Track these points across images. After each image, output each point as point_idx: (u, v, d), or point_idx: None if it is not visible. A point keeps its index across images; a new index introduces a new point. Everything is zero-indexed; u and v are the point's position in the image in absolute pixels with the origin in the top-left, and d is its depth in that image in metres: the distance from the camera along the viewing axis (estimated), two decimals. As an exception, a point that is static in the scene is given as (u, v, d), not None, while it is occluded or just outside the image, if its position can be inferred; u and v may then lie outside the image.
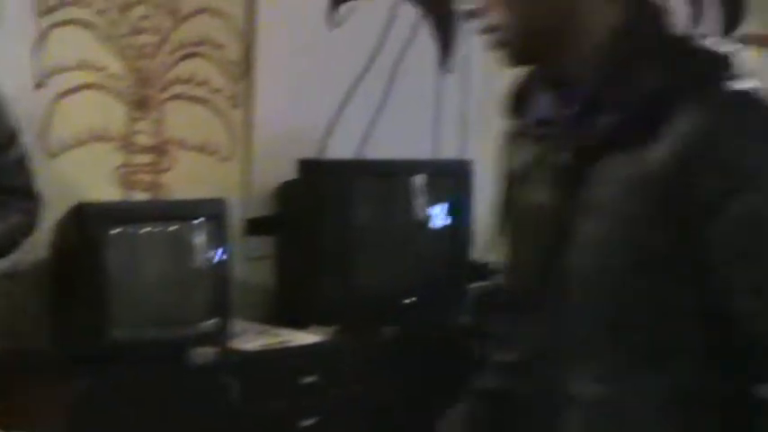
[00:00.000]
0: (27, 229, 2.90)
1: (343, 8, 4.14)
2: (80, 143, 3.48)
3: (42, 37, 3.35)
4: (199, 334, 3.37)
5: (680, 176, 1.38)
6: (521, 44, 1.52)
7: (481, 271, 4.38)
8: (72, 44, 3.43)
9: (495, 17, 1.51)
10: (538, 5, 1.50)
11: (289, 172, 3.83)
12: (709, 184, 1.38)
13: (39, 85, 3.35)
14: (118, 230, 3.24)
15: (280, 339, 3.60)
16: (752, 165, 1.39)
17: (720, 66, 1.45)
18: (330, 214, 3.81)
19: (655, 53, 1.48)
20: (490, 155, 4.59)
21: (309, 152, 4.01)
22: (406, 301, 4.00)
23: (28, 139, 3.11)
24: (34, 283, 3.31)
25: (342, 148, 4.15)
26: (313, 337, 3.66)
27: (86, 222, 3.18)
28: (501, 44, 1.53)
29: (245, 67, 3.88)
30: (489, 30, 1.52)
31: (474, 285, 4.27)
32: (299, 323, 3.73)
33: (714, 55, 1.47)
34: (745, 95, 1.42)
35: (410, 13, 4.37)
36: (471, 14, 1.53)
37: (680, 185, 1.38)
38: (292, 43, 3.99)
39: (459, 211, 4.15)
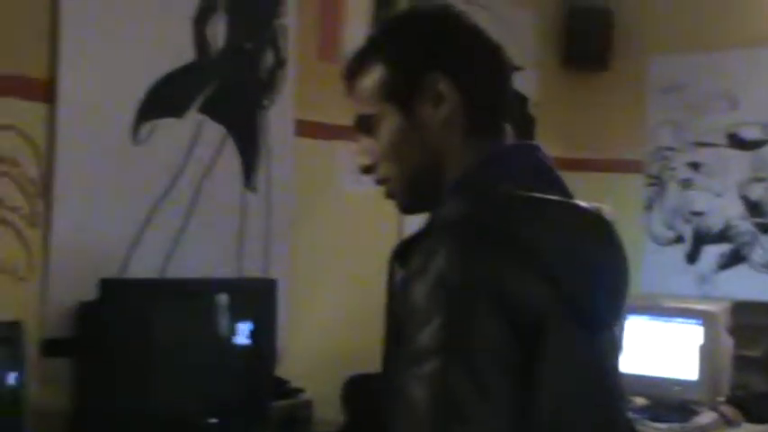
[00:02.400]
0: None
1: (147, 126, 4.14)
2: None
3: None
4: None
5: None
6: (406, 193, 1.72)
7: (284, 389, 4.39)
8: None
9: (383, 170, 1.69)
10: (413, 160, 1.68)
11: (89, 291, 3.75)
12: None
13: None
14: None
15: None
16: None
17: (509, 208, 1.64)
18: (132, 334, 3.74)
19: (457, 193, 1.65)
20: (292, 273, 4.69)
21: (111, 271, 3.94)
22: (209, 421, 3.94)
23: None
24: None
25: (145, 267, 4.09)
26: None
27: None
28: (390, 195, 1.72)
29: (43, 185, 3.80)
30: (380, 182, 1.70)
31: (278, 404, 4.26)
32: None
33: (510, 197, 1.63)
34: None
35: (215, 132, 4.41)
36: (366, 170, 1.70)
37: None
38: (94, 161, 3.94)
39: (263, 329, 4.15)
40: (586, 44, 6.20)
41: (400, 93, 1.72)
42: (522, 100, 5.91)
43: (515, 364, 1.47)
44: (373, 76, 1.74)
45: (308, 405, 4.41)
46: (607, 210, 1.72)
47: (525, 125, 5.89)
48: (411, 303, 1.52)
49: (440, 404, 1.43)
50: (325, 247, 4.90)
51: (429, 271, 1.51)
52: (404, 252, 1.65)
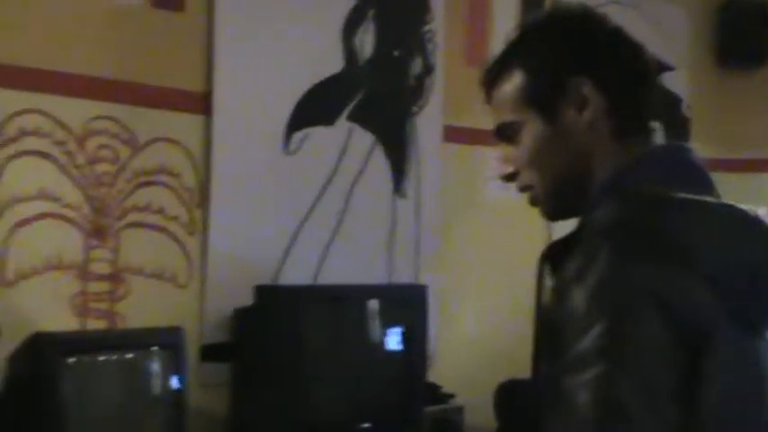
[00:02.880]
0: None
1: (298, 135, 4.22)
2: (36, 272, 3.47)
3: (1, 168, 3.37)
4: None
5: None
6: (551, 200, 1.71)
7: (436, 395, 4.41)
8: (30, 174, 3.45)
9: (526, 178, 1.70)
10: (557, 166, 1.68)
11: (244, 298, 3.85)
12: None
13: (-4, 216, 3.37)
14: (74, 360, 3.21)
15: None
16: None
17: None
18: (285, 340, 3.81)
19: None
20: (442, 279, 4.69)
21: (265, 278, 4.03)
22: (362, 425, 3.99)
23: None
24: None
25: (297, 274, 4.17)
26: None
27: (41, 352, 3.15)
28: (535, 202, 1.72)
29: (200, 195, 3.92)
30: (523, 189, 1.71)
31: (429, 409, 4.28)
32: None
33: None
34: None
35: (364, 140, 4.46)
36: (509, 178, 1.71)
37: None
38: (248, 170, 4.05)
39: (414, 335, 4.18)
40: (741, 41, 6.01)
41: (542, 98, 1.71)
42: (676, 101, 5.78)
43: (680, 366, 1.46)
44: (514, 83, 1.74)
45: (459, 411, 4.41)
46: (763, 212, 1.68)
47: (680, 126, 5.77)
48: (569, 309, 1.51)
49: (604, 409, 1.43)
50: (474, 252, 4.90)
51: (588, 276, 1.50)
52: (555, 256, 1.64)
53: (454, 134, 4.80)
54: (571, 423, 1.46)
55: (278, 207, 4.15)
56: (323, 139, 4.31)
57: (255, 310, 3.85)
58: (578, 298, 1.50)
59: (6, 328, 3.03)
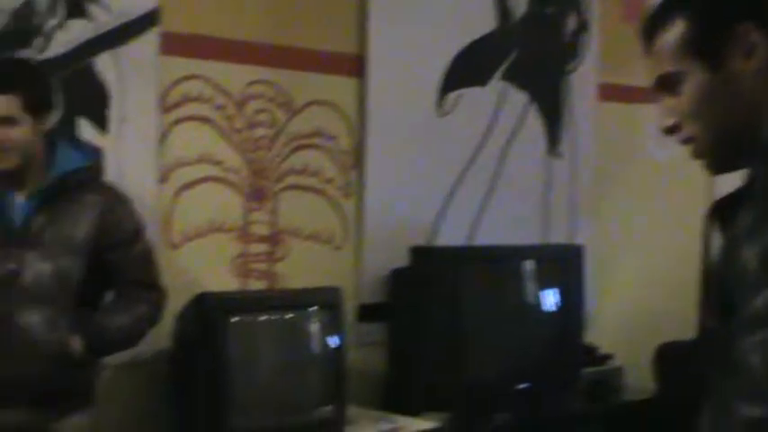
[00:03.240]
0: (152, 319, 2.98)
1: (452, 96, 4.21)
2: (200, 234, 3.58)
3: (165, 133, 3.48)
4: (316, 421, 3.40)
5: None
6: (715, 151, 1.66)
7: (594, 356, 4.36)
8: (193, 138, 3.55)
9: (689, 130, 1.65)
10: (722, 116, 1.62)
11: (400, 259, 3.88)
12: None
13: (162, 180, 3.48)
14: (237, 319, 3.31)
15: (394, 426, 3.60)
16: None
17: None
18: (441, 300, 3.84)
19: None
20: (598, 239, 4.61)
21: (420, 239, 4.06)
22: (519, 387, 3.98)
23: (151, 231, 3.22)
24: (157, 373, 3.39)
25: (452, 235, 4.18)
26: (426, 424, 3.65)
27: (206, 312, 3.26)
28: (697, 155, 1.67)
29: (356, 157, 3.96)
30: (686, 142, 1.66)
31: (587, 370, 4.25)
32: (411, 410, 3.74)
33: None
34: None
35: (518, 99, 4.42)
36: (670, 130, 1.67)
37: None
38: (402, 132, 4.07)
39: (570, 295, 4.14)
40: None
41: (708, 47, 1.66)
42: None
43: None
44: (676, 32, 1.69)
45: (618, 372, 4.36)
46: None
47: None
48: (740, 266, 1.47)
49: None
50: (631, 211, 4.81)
51: (761, 233, 1.45)
52: (723, 212, 1.60)
53: (610, 92, 4.71)
54: (744, 383, 1.43)
55: (432, 168, 4.16)
56: (476, 100, 4.29)
57: (411, 270, 3.88)
58: (750, 255, 1.45)
59: (172, 288, 3.13)
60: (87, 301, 2.87)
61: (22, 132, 2.76)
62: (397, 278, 3.96)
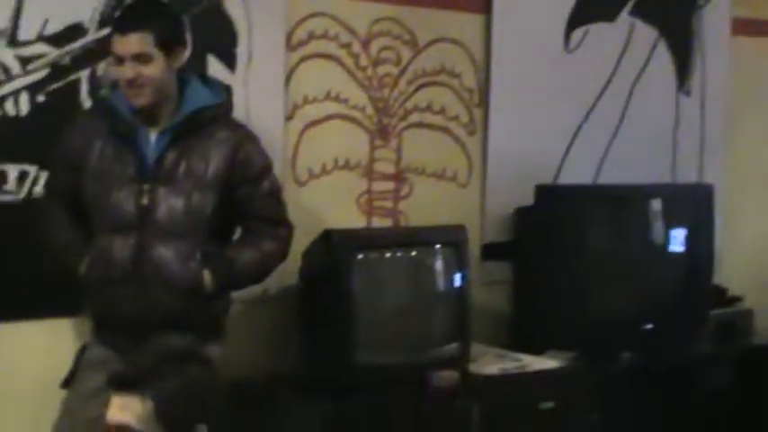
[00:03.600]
0: (280, 256, 3.02)
1: (578, 32, 4.13)
2: (326, 172, 3.60)
3: (292, 70, 3.50)
4: (439, 358, 3.41)
5: None
6: None
7: (723, 298, 4.27)
8: (319, 76, 3.56)
9: None
10: None
11: (525, 198, 3.84)
12: None
13: (288, 117, 3.50)
14: (362, 256, 3.33)
15: (518, 364, 3.60)
16: None
17: None
18: (566, 239, 3.79)
19: None
20: (728, 178, 4.49)
21: (545, 177, 4.01)
22: (645, 327, 3.93)
23: (278, 168, 3.25)
24: (284, 309, 3.44)
25: (578, 173, 4.12)
26: (551, 363, 3.64)
27: (333, 248, 3.28)
28: None
29: (481, 95, 3.93)
30: None
31: (715, 312, 4.16)
32: (535, 348, 3.72)
33: None
34: None
35: (647, 35, 4.31)
36: None
37: None
38: (527, 69, 4.01)
39: (699, 235, 4.05)
40: None
41: None
42: None
43: None
44: None
45: (748, 315, 4.26)
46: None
47: None
48: None
49: None
50: (762, 149, 4.67)
51: None
52: None
53: (744, 27, 4.56)
54: None
55: (558, 106, 4.09)
56: (604, 36, 4.20)
57: (536, 209, 3.84)
58: None
59: (299, 224, 3.16)
60: (217, 236, 2.92)
61: (155, 69, 2.81)
62: (522, 217, 3.93)
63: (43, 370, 3.04)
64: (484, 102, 3.93)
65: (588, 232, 3.83)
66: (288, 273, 3.35)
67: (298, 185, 3.53)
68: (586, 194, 3.99)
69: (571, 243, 3.78)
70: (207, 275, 2.86)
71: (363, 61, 3.66)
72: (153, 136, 2.87)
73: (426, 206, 3.81)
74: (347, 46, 3.61)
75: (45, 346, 3.11)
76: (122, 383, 1.85)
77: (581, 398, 3.62)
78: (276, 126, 3.45)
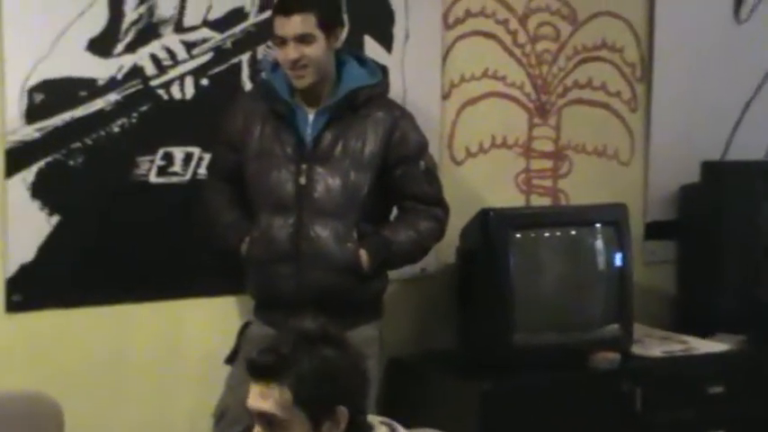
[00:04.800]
0: (436, 235, 3.02)
1: (749, 1, 3.97)
2: (483, 150, 3.58)
3: (448, 49, 3.48)
4: (600, 339, 3.35)
5: None
6: None
7: None
8: (476, 54, 3.54)
9: None
10: None
11: (690, 175, 3.73)
12: None
13: (445, 96, 3.49)
14: (520, 235, 3.29)
15: (683, 347, 3.50)
16: None
17: None
18: (735, 218, 3.66)
19: None
20: None
21: (712, 154, 3.88)
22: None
23: (434, 147, 3.24)
24: (442, 287, 3.44)
25: (747, 149, 3.97)
26: (719, 346, 3.52)
27: (491, 227, 3.26)
28: None
29: (643, 69, 3.82)
30: None
31: None
32: (702, 330, 3.61)
33: None
34: None
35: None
36: None
37: None
38: (693, 42, 3.88)
39: None
40: None
41: None
42: None
43: None
44: None
45: None
46: None
47: None
48: None
49: None
50: None
51: None
52: None
53: None
54: None
55: (726, 79, 3.94)
56: (776, 5, 4.02)
57: (702, 187, 3.73)
58: None
59: (456, 203, 3.16)
60: (374, 216, 2.94)
61: (317, 49, 2.84)
62: (687, 195, 3.82)
63: (209, 346, 3.14)
64: (647, 76, 3.82)
65: (759, 210, 3.69)
66: (446, 251, 3.35)
67: (455, 164, 3.52)
68: (757, 171, 3.83)
69: (740, 222, 3.65)
70: (364, 255, 2.88)
71: (521, 38, 3.61)
72: (311, 116, 2.91)
73: (587, 184, 3.73)
74: (504, 23, 3.57)
75: (211, 323, 3.20)
76: (258, 371, 1.87)
77: (752, 383, 3.49)
78: (433, 105, 3.44)
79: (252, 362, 1.89)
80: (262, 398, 1.85)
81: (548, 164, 3.69)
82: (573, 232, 3.44)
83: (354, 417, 1.89)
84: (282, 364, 1.85)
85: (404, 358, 3.35)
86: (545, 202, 3.70)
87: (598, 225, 3.41)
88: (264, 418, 1.86)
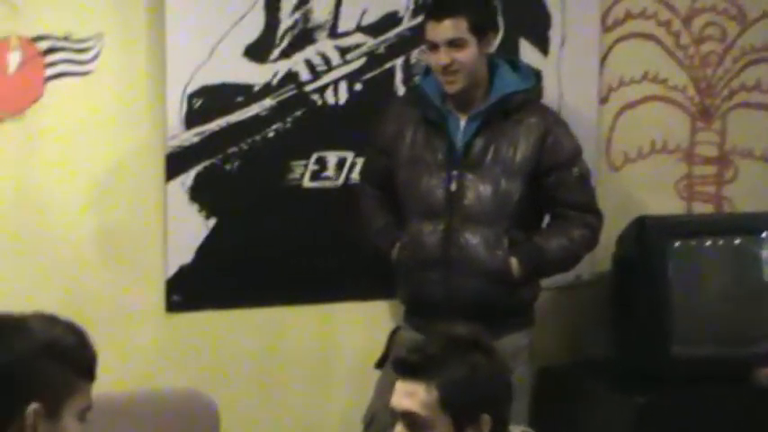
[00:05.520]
0: (589, 243, 2.95)
1: None
2: (642, 156, 3.48)
3: (607, 52, 3.40)
4: (765, 354, 3.21)
5: None
6: None
7: None
8: (635, 57, 3.44)
9: None
10: None
11: None
12: None
13: (603, 100, 3.41)
14: (680, 244, 3.19)
15: None
16: None
17: None
18: None
19: None
20: None
21: None
22: None
23: (591, 153, 3.17)
24: (597, 296, 3.37)
25: None
26: None
27: (648, 235, 3.17)
28: None
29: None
30: None
31: None
32: None
33: None
34: None
35: None
36: None
37: None
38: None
39: None
40: None
41: None
42: None
43: None
44: None
45: None
46: None
47: None
48: None
49: None
50: None
51: None
52: None
53: None
54: None
55: None
56: None
57: None
58: None
59: (613, 210, 3.08)
60: (525, 223, 2.90)
61: (469, 54, 2.82)
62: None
63: (361, 350, 3.16)
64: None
65: None
66: (601, 259, 3.28)
67: (612, 170, 3.44)
68: None
69: None
70: (514, 263, 2.84)
71: (684, 39, 3.49)
72: (462, 122, 2.89)
73: (754, 191, 3.59)
74: (666, 24, 3.46)
75: (363, 327, 3.22)
76: (407, 369, 1.86)
77: None
78: (590, 109, 3.37)
79: (400, 359, 1.90)
80: (407, 397, 1.85)
81: (711, 170, 3.56)
82: (737, 241, 3.31)
83: (496, 426, 1.87)
84: (432, 364, 1.84)
85: (555, 367, 3.29)
86: (708, 209, 3.57)
87: (765, 234, 3.27)
88: (408, 417, 1.85)
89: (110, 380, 2.89)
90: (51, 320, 1.63)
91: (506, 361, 2.50)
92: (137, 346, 3.03)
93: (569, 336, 3.40)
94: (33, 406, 1.53)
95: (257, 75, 3.07)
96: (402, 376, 1.87)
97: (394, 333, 3.01)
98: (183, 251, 3.06)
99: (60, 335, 1.61)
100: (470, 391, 1.83)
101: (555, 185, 2.89)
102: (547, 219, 2.99)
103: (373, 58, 3.17)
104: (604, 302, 3.34)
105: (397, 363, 1.90)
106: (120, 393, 2.96)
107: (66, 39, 2.89)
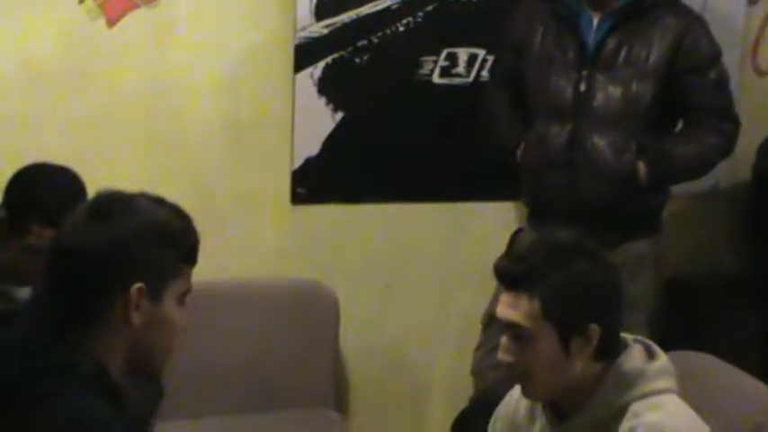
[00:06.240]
0: (723, 151, 2.81)
1: None
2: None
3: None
4: None
5: None
6: None
7: None
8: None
9: None
10: None
11: None
12: None
13: (751, 1, 3.23)
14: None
15: None
16: None
17: None
18: None
19: None
20: None
21: None
22: None
23: (735, 57, 3.02)
24: (733, 206, 3.24)
25: None
26: None
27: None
28: None
29: None
30: None
31: None
32: None
33: None
34: None
35: None
36: None
37: None
38: None
39: None
40: None
41: None
42: None
43: None
44: None
45: None
46: None
47: None
48: None
49: None
50: None
51: None
52: None
53: None
54: None
55: None
56: None
57: None
58: None
59: (757, 116, 2.95)
60: (656, 128, 2.78)
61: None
62: None
63: (486, 250, 3.10)
64: None
65: None
66: (741, 168, 3.16)
67: (757, 75, 3.27)
68: None
69: None
70: (641, 167, 2.75)
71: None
72: (595, 20, 2.78)
73: None
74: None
75: (489, 228, 3.19)
76: (508, 280, 1.81)
77: None
78: (736, 12, 3.20)
79: (502, 269, 1.84)
80: (510, 307, 1.81)
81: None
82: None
83: (606, 335, 1.81)
84: (533, 274, 1.79)
85: (683, 279, 3.19)
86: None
87: None
88: (512, 328, 1.81)
89: (236, 267, 3.00)
90: (158, 202, 1.62)
91: (626, 267, 2.43)
92: (262, 237, 3.08)
93: (702, 247, 3.29)
94: (138, 285, 1.54)
95: (389, -33, 3.02)
96: (505, 287, 1.83)
97: (516, 234, 2.96)
98: (310, 143, 3.08)
99: (167, 217, 1.60)
100: (574, 300, 1.77)
101: (689, 89, 2.76)
102: (680, 124, 2.87)
103: (508, -47, 3.07)
104: (741, 214, 3.21)
105: (499, 273, 1.85)
106: (245, 281, 3.05)
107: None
